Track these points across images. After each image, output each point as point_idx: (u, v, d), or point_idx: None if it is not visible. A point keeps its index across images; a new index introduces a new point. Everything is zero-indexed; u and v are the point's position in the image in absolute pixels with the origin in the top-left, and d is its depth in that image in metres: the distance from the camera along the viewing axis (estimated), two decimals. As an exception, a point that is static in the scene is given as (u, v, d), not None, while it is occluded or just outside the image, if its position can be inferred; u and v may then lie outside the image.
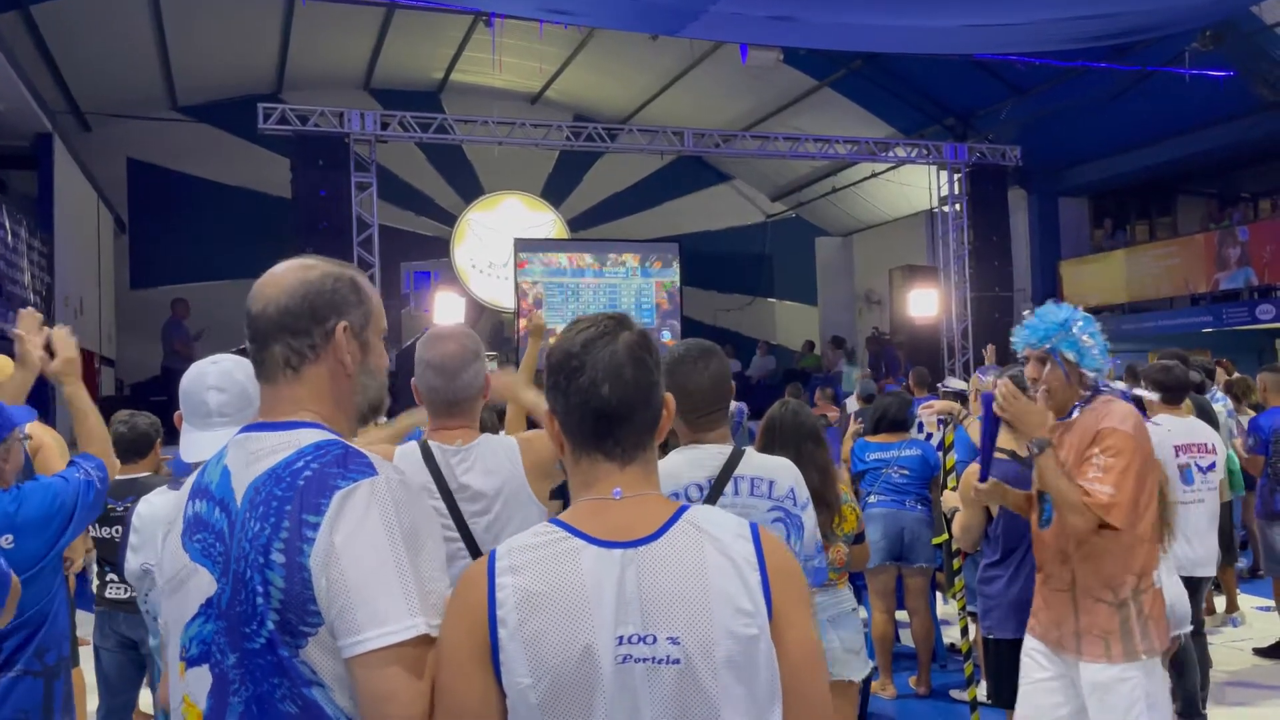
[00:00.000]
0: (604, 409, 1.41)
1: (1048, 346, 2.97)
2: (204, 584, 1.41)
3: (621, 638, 1.32)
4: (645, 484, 1.44)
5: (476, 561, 1.44)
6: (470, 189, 17.47)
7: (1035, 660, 3.07)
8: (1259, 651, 5.98)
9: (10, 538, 2.54)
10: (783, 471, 2.30)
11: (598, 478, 1.43)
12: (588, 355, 1.42)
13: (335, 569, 1.30)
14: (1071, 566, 2.92)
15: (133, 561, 2.55)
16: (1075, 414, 3.00)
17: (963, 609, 4.57)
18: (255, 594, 1.33)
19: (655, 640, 1.32)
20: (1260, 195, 14.61)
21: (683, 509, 1.42)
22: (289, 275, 1.51)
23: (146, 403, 10.50)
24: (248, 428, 1.49)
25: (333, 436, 1.44)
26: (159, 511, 2.50)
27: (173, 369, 12.99)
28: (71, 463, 2.78)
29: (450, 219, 17.39)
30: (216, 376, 2.28)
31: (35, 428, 4.19)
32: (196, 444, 2.22)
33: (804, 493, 2.31)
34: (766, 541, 1.41)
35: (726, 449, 2.32)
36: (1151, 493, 2.95)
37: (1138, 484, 2.84)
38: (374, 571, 1.30)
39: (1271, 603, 6.23)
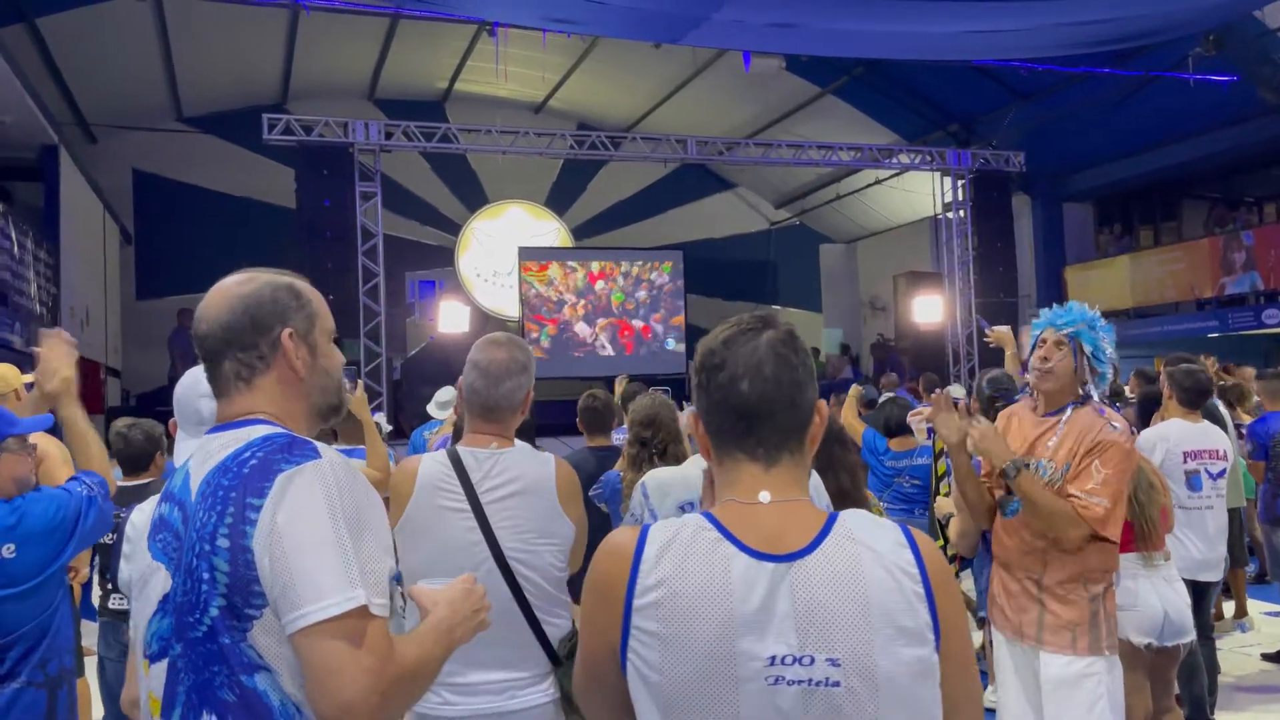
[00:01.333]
0: (743, 406, 1.34)
1: (1070, 331, 3.02)
2: (161, 581, 1.45)
3: (774, 658, 1.26)
4: (793, 489, 1.37)
5: (624, 532, 1.37)
6: (474, 198, 17.52)
7: (1004, 663, 3.08)
8: (1267, 657, 5.95)
9: (12, 547, 2.54)
10: None
11: (741, 479, 1.36)
12: (728, 351, 1.37)
13: (278, 547, 1.32)
14: (1044, 559, 2.93)
15: (125, 571, 2.55)
16: (1069, 411, 3.00)
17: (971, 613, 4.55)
18: (200, 581, 1.36)
19: (813, 662, 1.26)
20: (1265, 199, 14.58)
21: (833, 517, 1.34)
22: (227, 291, 1.54)
23: (153, 413, 10.43)
24: (207, 431, 1.54)
25: (281, 430, 1.47)
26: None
27: (177, 380, 13.03)
28: (74, 477, 2.78)
29: (455, 228, 17.42)
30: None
31: (39, 437, 4.19)
32: (190, 451, 2.22)
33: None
34: (924, 546, 1.33)
35: None
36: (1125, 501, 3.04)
37: (1125, 497, 2.94)
38: (314, 548, 1.32)
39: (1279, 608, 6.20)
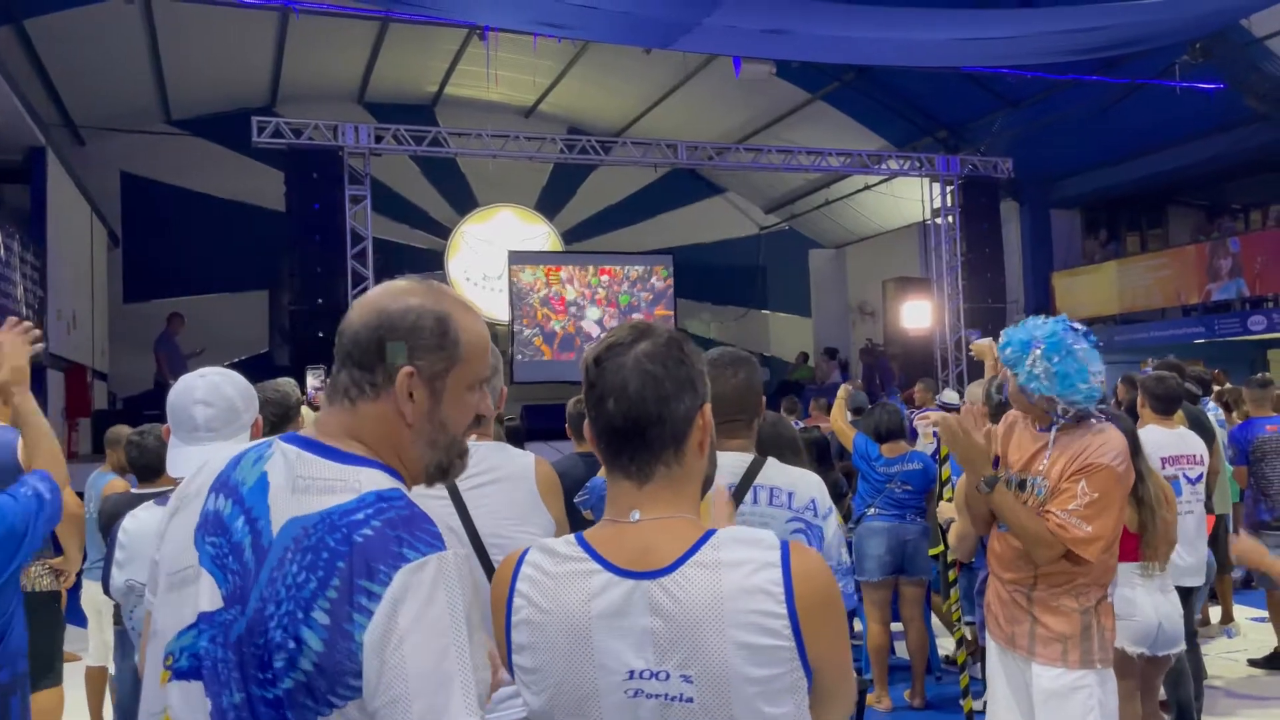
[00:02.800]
0: (610, 425, 1.37)
1: (1002, 360, 3.02)
2: (207, 593, 1.29)
3: (633, 671, 1.30)
4: (669, 505, 1.37)
5: (513, 554, 1.43)
6: (464, 201, 17.50)
7: (996, 670, 3.08)
8: (1254, 662, 5.98)
9: None
10: (803, 482, 2.30)
11: (618, 497, 1.40)
12: (599, 370, 1.39)
13: (396, 654, 1.17)
14: (1034, 571, 2.91)
15: (118, 578, 2.52)
16: (1053, 430, 2.94)
17: (958, 620, 4.56)
18: (280, 644, 1.21)
19: (668, 677, 1.29)
20: (1251, 206, 14.68)
21: (707, 535, 1.35)
22: (377, 300, 1.38)
23: (140, 416, 10.44)
24: (301, 442, 1.35)
25: (396, 485, 1.30)
26: (145, 527, 2.47)
27: (164, 384, 12.98)
28: (19, 481, 2.70)
29: (444, 231, 17.41)
30: (204, 390, 2.25)
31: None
32: (184, 458, 2.20)
33: (825, 502, 2.31)
34: (797, 565, 1.32)
35: (747, 457, 2.32)
36: (1121, 522, 2.96)
37: (1117, 521, 2.86)
38: (437, 663, 1.18)
39: (1266, 613, 6.23)
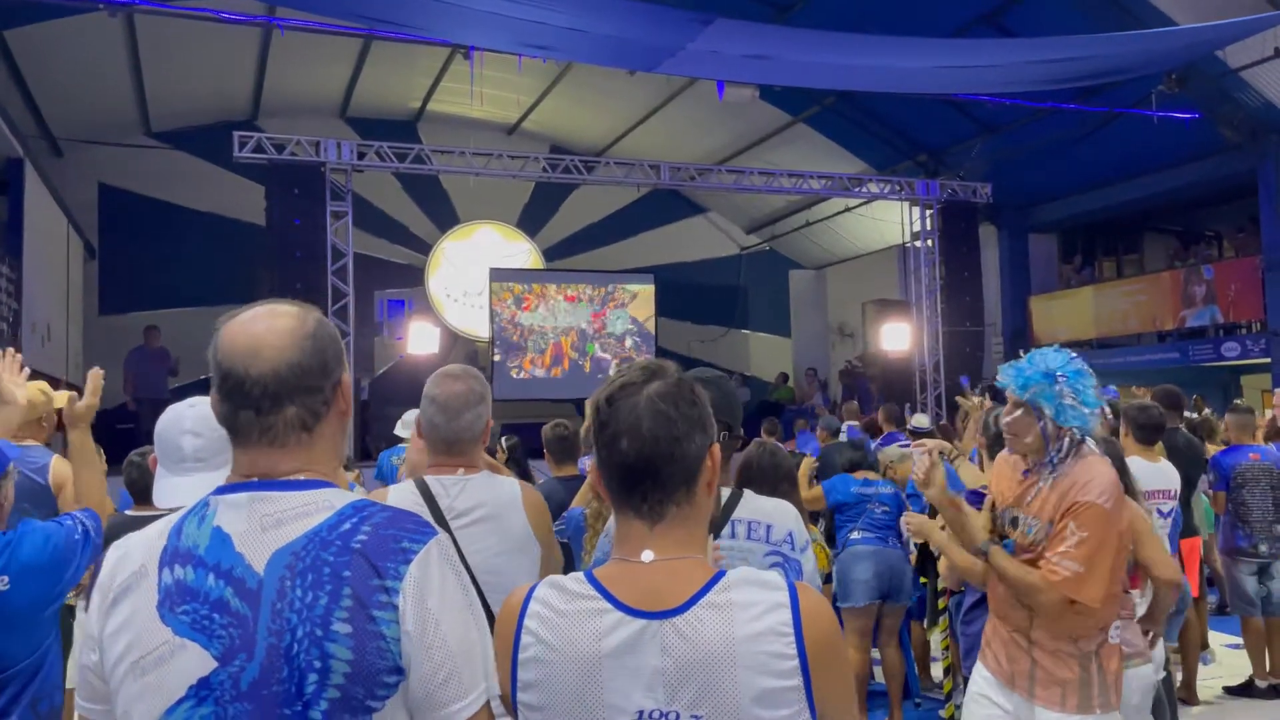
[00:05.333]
0: (625, 464, 1.39)
1: (1026, 396, 2.90)
2: (194, 662, 1.25)
3: (642, 712, 1.31)
4: (681, 545, 1.40)
5: (519, 589, 1.44)
6: (446, 218, 17.47)
7: (982, 698, 3.03)
8: (1229, 690, 6.02)
9: (6, 580, 2.44)
10: (781, 515, 2.27)
11: (629, 536, 1.41)
12: (611, 409, 1.41)
13: (437, 636, 1.26)
14: (1030, 613, 2.86)
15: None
16: (1048, 468, 2.90)
17: (946, 648, 4.57)
18: (306, 670, 1.22)
19: (678, 717, 1.31)
20: (1224, 234, 14.89)
21: (718, 575, 1.37)
22: (286, 326, 1.38)
23: (113, 431, 10.34)
24: (247, 487, 1.34)
25: (360, 495, 1.37)
26: None
27: (124, 402, 12.86)
28: (68, 514, 2.69)
29: (425, 248, 17.36)
30: (193, 420, 2.22)
31: (60, 464, 4.11)
32: (172, 489, 2.17)
33: (803, 536, 2.29)
34: (805, 607, 1.35)
35: (725, 491, 2.28)
36: (1123, 563, 2.91)
37: (1115, 559, 2.78)
38: (464, 634, 1.29)
39: (1241, 640, 6.28)
